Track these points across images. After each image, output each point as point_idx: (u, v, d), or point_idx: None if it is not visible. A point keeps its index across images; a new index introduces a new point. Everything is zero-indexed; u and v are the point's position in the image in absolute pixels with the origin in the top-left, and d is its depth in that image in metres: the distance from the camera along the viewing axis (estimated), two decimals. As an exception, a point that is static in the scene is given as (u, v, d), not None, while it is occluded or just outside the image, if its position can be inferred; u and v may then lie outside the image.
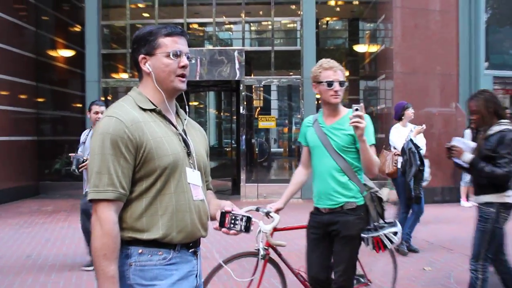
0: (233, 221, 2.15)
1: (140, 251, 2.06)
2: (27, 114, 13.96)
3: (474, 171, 4.31)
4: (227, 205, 2.23)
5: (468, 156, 4.26)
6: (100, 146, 2.01)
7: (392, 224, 4.03)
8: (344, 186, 3.62)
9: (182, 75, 2.18)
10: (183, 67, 2.16)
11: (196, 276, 2.23)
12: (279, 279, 4.20)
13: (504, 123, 4.30)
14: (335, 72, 3.62)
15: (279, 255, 4.12)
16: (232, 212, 2.17)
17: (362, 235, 4.02)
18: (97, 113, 6.18)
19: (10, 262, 6.79)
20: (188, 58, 2.19)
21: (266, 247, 3.95)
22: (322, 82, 3.62)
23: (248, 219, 2.15)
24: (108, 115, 2.07)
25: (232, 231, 2.15)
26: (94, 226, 2.00)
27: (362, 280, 4.54)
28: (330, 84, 3.58)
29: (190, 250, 2.19)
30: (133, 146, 2.02)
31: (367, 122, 3.51)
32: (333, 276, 3.83)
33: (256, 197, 12.46)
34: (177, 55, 2.15)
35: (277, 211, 3.90)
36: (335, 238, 3.70)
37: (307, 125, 3.86)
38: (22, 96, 13.69)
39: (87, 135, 6.50)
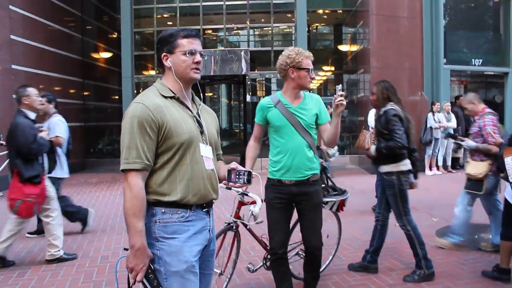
0: (237, 176, 2.17)
1: (163, 210, 2.07)
2: (76, 105, 13.95)
3: (379, 154, 4.34)
4: (232, 164, 2.26)
5: (372, 148, 4.44)
6: (129, 126, 2.02)
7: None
8: (310, 160, 3.39)
9: (197, 68, 2.16)
10: (197, 62, 2.16)
11: (209, 231, 2.23)
12: (236, 249, 3.86)
13: (391, 105, 4.34)
14: (311, 61, 3.40)
15: (245, 225, 3.77)
16: (236, 169, 2.19)
17: (330, 199, 3.98)
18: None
19: (63, 223, 6.78)
20: (201, 55, 2.18)
21: (235, 219, 3.66)
22: (304, 68, 3.33)
23: (249, 173, 2.18)
24: (136, 102, 2.07)
25: (237, 184, 2.18)
26: (125, 190, 2.00)
27: None
28: (310, 71, 3.36)
29: (204, 210, 2.19)
30: (156, 126, 2.03)
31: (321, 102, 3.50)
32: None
33: (260, 168, 12.42)
34: (192, 53, 2.14)
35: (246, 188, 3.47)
36: (304, 207, 3.46)
37: (267, 106, 3.42)
38: (72, 91, 13.67)
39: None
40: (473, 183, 5.01)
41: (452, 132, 6.12)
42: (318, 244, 3.52)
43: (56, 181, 5.60)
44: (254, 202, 3.39)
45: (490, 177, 4.93)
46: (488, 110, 5.10)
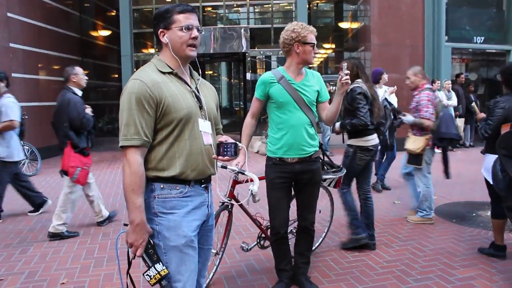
0: (225, 150, 2.14)
1: (161, 186, 2.09)
2: (75, 83, 13.87)
3: (344, 129, 4.51)
4: (222, 138, 2.23)
5: (337, 124, 4.55)
6: (127, 103, 2.01)
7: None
8: (312, 137, 3.37)
9: (193, 45, 2.14)
10: (194, 38, 2.13)
11: (208, 206, 2.26)
12: (227, 228, 3.79)
13: (357, 82, 4.41)
14: (315, 36, 3.36)
15: (240, 204, 3.67)
16: (224, 142, 2.16)
17: (329, 176, 4.01)
18: None
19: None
20: (198, 30, 2.16)
21: (229, 199, 3.61)
22: (309, 43, 3.27)
23: (236, 145, 2.17)
24: (134, 78, 2.06)
25: (225, 157, 2.14)
26: (124, 167, 2.01)
27: None
28: (314, 46, 3.32)
29: (202, 186, 2.21)
30: (154, 102, 2.02)
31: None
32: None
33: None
34: (189, 28, 2.12)
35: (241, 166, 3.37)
36: (305, 184, 3.45)
37: (270, 81, 3.33)
38: (70, 69, 13.61)
39: None
40: (413, 157, 5.26)
41: (396, 107, 6.24)
42: (313, 219, 3.58)
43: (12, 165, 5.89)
44: (250, 180, 3.38)
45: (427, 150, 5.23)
46: (427, 86, 5.30)
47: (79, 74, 5.34)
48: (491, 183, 3.80)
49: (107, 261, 4.32)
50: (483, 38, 12.93)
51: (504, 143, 2.06)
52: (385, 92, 7.07)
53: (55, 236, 4.99)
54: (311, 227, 3.60)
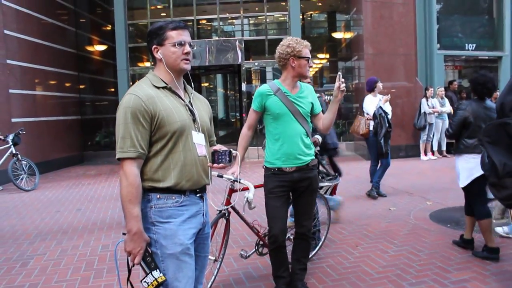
0: (220, 157, 2.24)
1: (158, 196, 2.16)
2: (72, 98, 13.96)
3: None
4: (216, 146, 2.33)
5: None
6: (123, 117, 2.10)
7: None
8: (308, 146, 3.50)
9: (186, 59, 2.23)
10: (186, 53, 2.22)
11: (203, 215, 2.33)
12: (225, 236, 3.85)
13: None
14: (310, 50, 3.50)
15: (237, 212, 3.81)
16: (219, 150, 2.26)
17: (325, 183, 4.10)
18: None
19: (64, 215, 6.90)
20: (190, 46, 2.25)
21: (226, 207, 3.65)
22: (304, 57, 3.41)
23: (230, 153, 2.26)
24: (129, 93, 2.15)
25: (220, 165, 2.24)
26: (121, 178, 2.09)
27: None
28: (309, 60, 3.46)
29: (197, 195, 2.29)
30: (148, 116, 2.10)
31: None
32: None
33: (257, 157, 12.51)
34: (181, 44, 2.21)
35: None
36: (303, 192, 3.55)
37: (267, 93, 3.45)
38: (67, 84, 13.69)
39: None
40: None
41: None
42: (311, 226, 3.67)
43: None
44: (246, 189, 3.45)
45: None
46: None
47: None
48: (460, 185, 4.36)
49: (107, 272, 4.37)
50: (474, 45, 13.10)
51: (487, 132, 2.33)
52: (379, 101, 7.17)
53: None
54: (308, 233, 3.69)
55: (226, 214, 3.72)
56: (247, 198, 3.28)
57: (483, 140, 2.41)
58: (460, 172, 4.47)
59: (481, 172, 4.07)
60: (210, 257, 3.30)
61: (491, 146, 2.35)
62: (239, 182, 3.35)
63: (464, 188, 4.50)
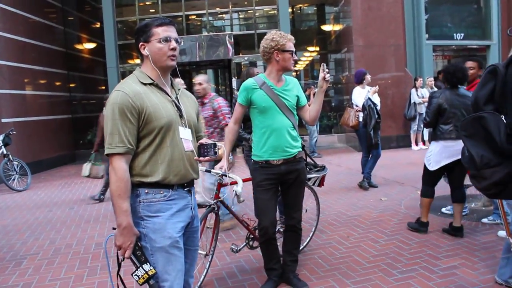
0: (205, 150, 2.27)
1: (146, 191, 2.19)
2: (62, 97, 13.93)
3: None
4: (202, 140, 2.35)
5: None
6: (111, 113, 2.13)
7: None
8: (294, 139, 3.54)
9: (172, 55, 2.25)
10: (172, 49, 2.24)
11: (191, 208, 2.36)
12: (214, 230, 3.85)
13: None
14: (293, 43, 3.52)
15: (226, 206, 3.86)
16: (204, 143, 2.29)
17: (313, 175, 4.14)
18: None
19: (57, 214, 6.91)
20: (177, 41, 2.27)
21: (216, 201, 3.68)
22: (288, 50, 3.43)
23: (215, 145, 2.29)
24: (117, 90, 2.17)
25: (206, 158, 2.28)
26: (110, 174, 2.13)
27: None
28: (293, 53, 3.49)
29: (185, 189, 2.32)
30: (136, 112, 2.13)
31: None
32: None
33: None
34: (167, 40, 2.22)
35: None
36: (291, 184, 3.59)
37: (252, 87, 3.48)
38: (57, 83, 13.65)
39: None
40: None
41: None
42: (300, 217, 3.71)
43: None
44: (234, 183, 3.48)
45: None
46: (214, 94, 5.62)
47: None
48: (428, 167, 4.74)
49: (101, 270, 4.40)
50: (463, 34, 13.20)
51: (464, 126, 2.43)
52: (368, 92, 7.22)
53: None
54: (298, 225, 3.72)
55: (215, 209, 3.74)
56: (235, 191, 3.32)
57: (461, 133, 2.51)
58: (431, 155, 4.74)
59: (447, 161, 4.58)
60: (200, 251, 3.36)
61: (468, 139, 2.44)
62: (227, 176, 3.39)
63: (424, 167, 4.84)
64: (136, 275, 2.11)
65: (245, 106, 3.57)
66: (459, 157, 4.19)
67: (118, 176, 2.09)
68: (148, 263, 2.13)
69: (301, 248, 4.33)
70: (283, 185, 3.62)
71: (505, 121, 2.31)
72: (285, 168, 3.51)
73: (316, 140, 11.78)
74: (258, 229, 3.68)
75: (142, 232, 2.18)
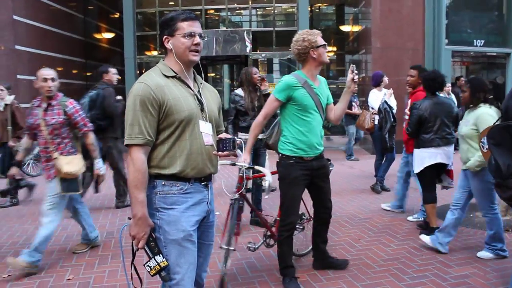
0: (224, 145, 2.29)
1: (163, 183, 2.20)
2: (79, 85, 14.01)
3: None
4: (221, 135, 2.37)
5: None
6: (132, 104, 2.13)
7: None
8: (322, 137, 3.71)
9: (196, 51, 2.25)
10: (196, 44, 2.24)
11: (207, 203, 2.36)
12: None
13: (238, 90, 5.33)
14: (321, 36, 3.65)
15: (247, 200, 3.82)
16: (223, 138, 2.30)
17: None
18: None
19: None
20: (201, 37, 2.27)
21: (238, 196, 3.62)
22: (321, 45, 3.57)
23: (234, 140, 2.30)
24: (139, 81, 2.18)
25: (225, 152, 2.29)
26: (128, 164, 2.14)
27: (305, 217, 4.40)
28: (325, 46, 3.61)
29: (202, 183, 2.31)
30: (157, 104, 2.13)
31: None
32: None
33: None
34: (191, 35, 2.23)
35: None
36: (320, 178, 3.74)
37: (294, 85, 3.54)
38: (74, 71, 13.76)
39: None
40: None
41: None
42: (331, 208, 3.91)
43: None
44: (258, 176, 3.65)
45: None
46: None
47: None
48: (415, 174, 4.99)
49: (112, 258, 4.42)
50: (483, 41, 13.01)
51: (492, 134, 2.41)
52: (384, 95, 7.16)
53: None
54: (331, 214, 3.93)
55: (240, 202, 3.69)
56: (268, 181, 3.50)
57: (489, 142, 2.48)
58: (414, 160, 4.96)
59: (431, 162, 4.78)
60: (224, 246, 3.42)
61: (496, 148, 2.41)
62: (254, 168, 3.59)
63: (417, 175, 5.02)
64: (148, 265, 2.12)
65: (282, 103, 3.61)
66: (441, 160, 4.79)
67: (136, 167, 2.10)
68: (161, 255, 2.13)
69: (308, 250, 4.38)
70: (315, 179, 3.72)
71: None
72: (316, 163, 3.66)
73: (354, 144, 11.52)
74: (284, 224, 3.70)
75: (156, 224, 2.18)
